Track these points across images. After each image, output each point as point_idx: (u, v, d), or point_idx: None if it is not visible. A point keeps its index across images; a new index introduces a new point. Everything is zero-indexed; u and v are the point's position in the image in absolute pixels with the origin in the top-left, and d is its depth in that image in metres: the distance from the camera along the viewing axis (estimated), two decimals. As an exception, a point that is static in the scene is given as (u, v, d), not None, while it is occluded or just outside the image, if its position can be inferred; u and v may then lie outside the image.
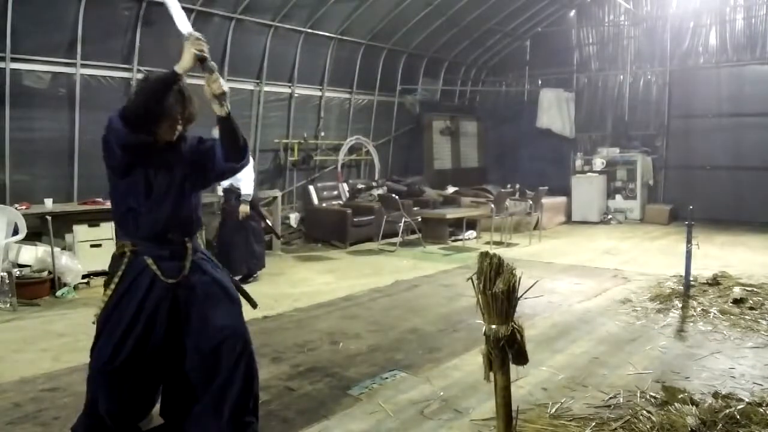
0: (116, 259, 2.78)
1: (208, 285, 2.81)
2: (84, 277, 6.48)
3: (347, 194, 10.53)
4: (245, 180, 6.64)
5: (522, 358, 2.31)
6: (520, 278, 2.28)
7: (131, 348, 2.66)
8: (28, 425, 3.21)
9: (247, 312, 5.56)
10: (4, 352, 4.50)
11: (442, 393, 3.63)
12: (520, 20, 12.37)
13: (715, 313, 5.11)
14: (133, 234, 2.74)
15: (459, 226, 9.74)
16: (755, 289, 5.73)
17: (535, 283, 2.56)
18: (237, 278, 6.80)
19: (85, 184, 7.20)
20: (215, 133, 2.84)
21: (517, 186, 11.58)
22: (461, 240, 9.65)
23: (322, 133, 10.53)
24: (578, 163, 12.24)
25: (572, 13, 12.96)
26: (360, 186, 10.74)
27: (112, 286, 2.70)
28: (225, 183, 6.79)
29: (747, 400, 3.31)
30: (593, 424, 3.11)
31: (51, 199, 6.63)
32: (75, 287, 6.32)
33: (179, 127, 2.77)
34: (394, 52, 11.44)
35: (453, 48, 12.24)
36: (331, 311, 5.64)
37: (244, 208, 6.68)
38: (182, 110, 2.75)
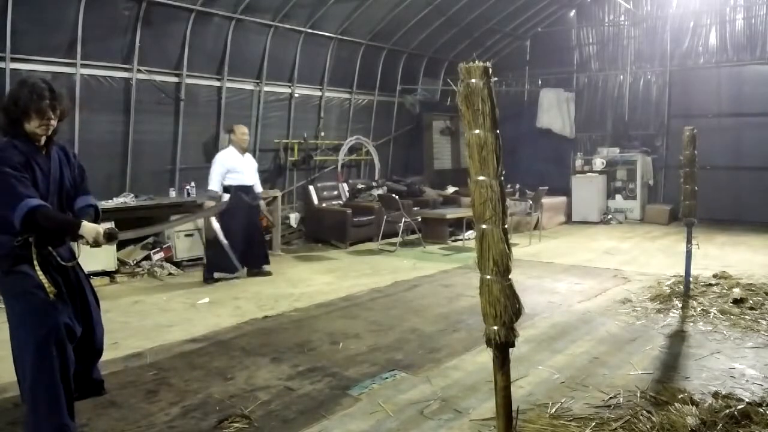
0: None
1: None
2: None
3: (347, 194, 10.52)
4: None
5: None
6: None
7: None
8: (28, 425, 3.21)
9: (248, 312, 5.57)
10: (4, 352, 4.49)
11: (441, 393, 3.63)
12: (520, 20, 12.36)
13: (715, 313, 5.11)
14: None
15: (459, 226, 9.74)
16: (755, 289, 5.74)
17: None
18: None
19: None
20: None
21: (517, 186, 11.59)
22: (461, 240, 9.65)
23: (322, 133, 10.53)
24: (578, 163, 12.24)
25: (572, 13, 12.96)
26: (360, 186, 10.73)
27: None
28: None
29: (747, 400, 3.31)
30: (593, 424, 3.11)
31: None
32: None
33: (53, 123, 2.98)
34: (394, 52, 11.44)
35: (453, 48, 12.24)
36: (331, 311, 5.64)
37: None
38: (53, 107, 2.94)
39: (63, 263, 3.12)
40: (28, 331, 2.91)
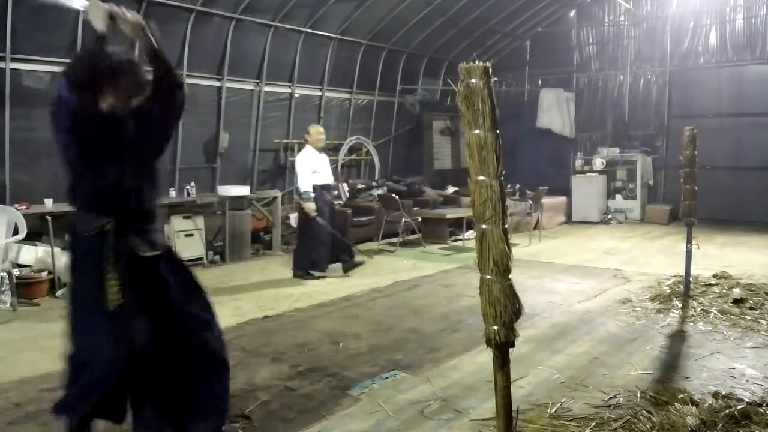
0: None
1: None
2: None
3: (347, 194, 10.52)
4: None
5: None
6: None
7: None
8: (28, 425, 3.21)
9: (248, 312, 5.55)
10: (4, 352, 4.50)
11: (441, 393, 3.63)
12: (520, 20, 12.37)
13: (715, 313, 5.11)
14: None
15: (459, 226, 9.73)
16: (755, 289, 5.74)
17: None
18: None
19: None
20: None
21: (517, 186, 11.58)
22: (461, 240, 9.64)
23: (323, 133, 10.53)
24: (578, 163, 12.24)
25: (572, 13, 12.96)
26: (360, 186, 10.73)
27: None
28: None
29: (747, 400, 3.31)
30: (593, 424, 3.11)
31: (51, 199, 6.62)
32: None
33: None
34: (394, 52, 11.44)
35: (453, 48, 12.24)
36: (331, 311, 5.64)
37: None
38: (136, 77, 2.61)
39: (143, 254, 2.59)
40: (97, 344, 2.66)
